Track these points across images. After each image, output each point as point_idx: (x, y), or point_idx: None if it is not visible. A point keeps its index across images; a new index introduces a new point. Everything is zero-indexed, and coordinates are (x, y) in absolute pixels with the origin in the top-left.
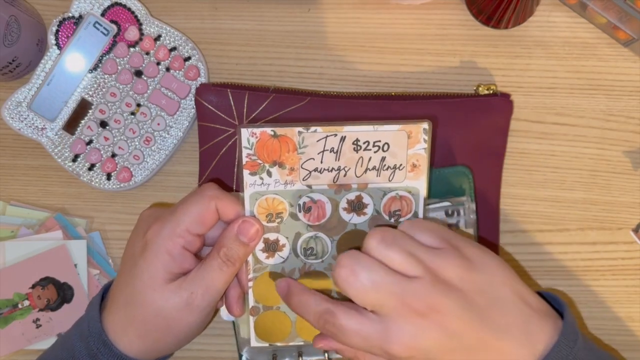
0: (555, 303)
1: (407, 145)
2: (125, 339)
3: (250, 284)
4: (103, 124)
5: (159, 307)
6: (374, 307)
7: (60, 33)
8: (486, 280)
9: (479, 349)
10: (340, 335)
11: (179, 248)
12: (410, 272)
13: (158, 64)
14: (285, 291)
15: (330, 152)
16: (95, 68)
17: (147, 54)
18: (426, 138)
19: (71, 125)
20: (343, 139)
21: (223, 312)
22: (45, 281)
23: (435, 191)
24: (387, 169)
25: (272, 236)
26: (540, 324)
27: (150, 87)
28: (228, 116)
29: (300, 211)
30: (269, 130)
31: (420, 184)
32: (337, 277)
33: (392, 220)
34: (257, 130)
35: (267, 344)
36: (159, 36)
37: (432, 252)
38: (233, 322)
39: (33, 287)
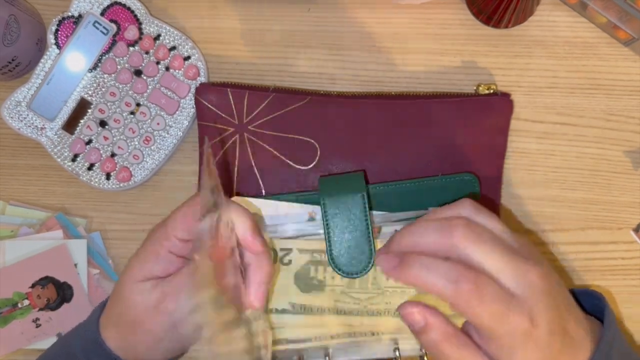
0: (596, 300)
1: None
2: (108, 333)
3: None
4: (102, 124)
5: (132, 301)
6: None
7: (59, 32)
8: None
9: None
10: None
11: (165, 251)
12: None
13: (158, 63)
14: (421, 324)
15: None
16: (94, 67)
17: (147, 53)
18: None
19: (71, 125)
20: None
21: None
22: (45, 281)
23: (441, 199)
24: None
25: None
26: (585, 325)
27: (150, 87)
28: (228, 115)
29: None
30: None
31: None
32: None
33: None
34: None
35: None
36: (159, 35)
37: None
38: None
39: (33, 286)
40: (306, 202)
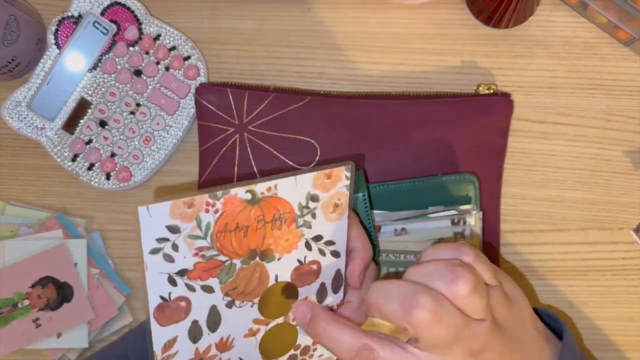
0: (554, 322)
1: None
2: None
3: None
4: (102, 124)
5: None
6: (431, 344)
7: (59, 32)
8: (519, 317)
9: None
10: None
11: None
12: (478, 315)
13: (157, 63)
14: (308, 318)
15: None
16: (94, 67)
17: (147, 53)
18: (348, 175)
19: (70, 125)
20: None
21: None
22: (45, 280)
23: (441, 199)
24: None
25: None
26: (546, 350)
27: (150, 87)
28: (228, 115)
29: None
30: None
31: (342, 224)
32: (416, 319)
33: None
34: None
35: None
36: (159, 35)
37: (491, 290)
38: None
39: (33, 286)
40: None
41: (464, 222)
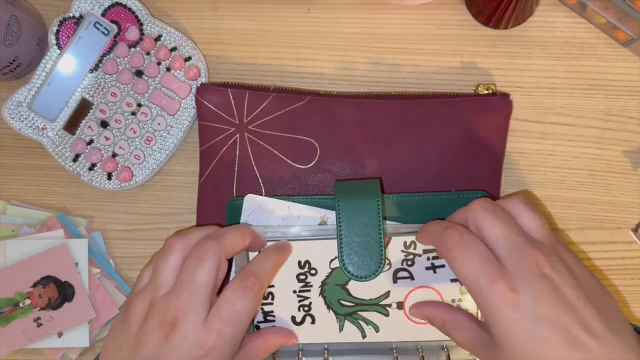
0: None
1: None
2: None
3: None
4: (104, 124)
5: None
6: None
7: (60, 33)
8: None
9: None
10: (458, 249)
11: None
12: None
13: (159, 63)
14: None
15: None
16: (95, 68)
17: (148, 54)
18: None
19: (72, 125)
20: None
21: None
22: (46, 280)
23: (448, 216)
24: None
25: None
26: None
27: (151, 87)
28: (229, 115)
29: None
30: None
31: None
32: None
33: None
34: None
35: None
36: (160, 36)
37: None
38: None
39: (34, 286)
40: (319, 206)
41: None
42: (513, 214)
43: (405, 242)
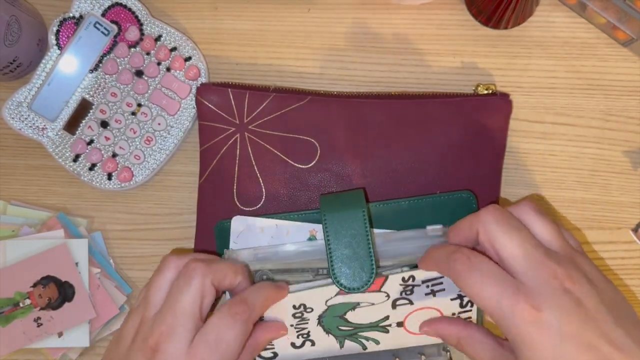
0: None
1: None
2: None
3: None
4: (104, 124)
5: None
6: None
7: (60, 33)
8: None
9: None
10: (469, 273)
11: None
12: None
13: (159, 64)
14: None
15: None
16: (95, 68)
17: (148, 54)
18: None
19: (72, 125)
20: None
21: None
22: (46, 280)
23: (439, 217)
24: None
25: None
26: None
27: (151, 87)
28: (229, 115)
29: None
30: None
31: None
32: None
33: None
34: None
35: None
36: (160, 36)
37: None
38: None
39: (34, 285)
40: (307, 221)
41: None
42: (525, 223)
43: (403, 278)
